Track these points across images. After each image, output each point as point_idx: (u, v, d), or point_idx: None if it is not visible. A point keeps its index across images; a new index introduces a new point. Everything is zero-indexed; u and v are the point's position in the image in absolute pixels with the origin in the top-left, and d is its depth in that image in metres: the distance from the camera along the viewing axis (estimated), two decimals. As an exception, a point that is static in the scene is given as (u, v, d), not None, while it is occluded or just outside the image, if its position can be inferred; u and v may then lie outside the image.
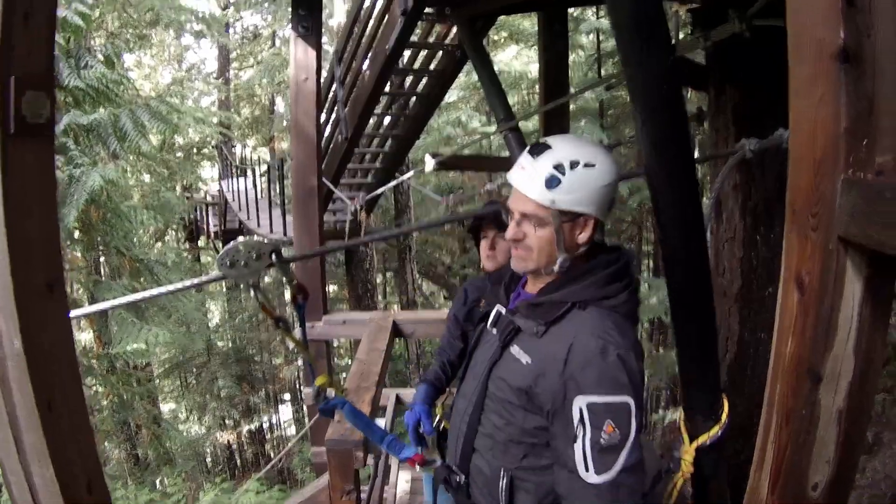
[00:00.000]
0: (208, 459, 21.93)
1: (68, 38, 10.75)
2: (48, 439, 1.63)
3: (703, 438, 2.80)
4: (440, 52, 9.18)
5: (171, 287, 2.92)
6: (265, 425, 23.94)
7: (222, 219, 21.05)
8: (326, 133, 10.34)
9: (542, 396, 2.08)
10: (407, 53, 9.58)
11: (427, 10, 7.34)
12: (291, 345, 2.81)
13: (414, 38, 8.59)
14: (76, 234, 11.71)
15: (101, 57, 11.23)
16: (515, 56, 18.94)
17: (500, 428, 2.26)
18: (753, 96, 4.35)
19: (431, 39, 9.17)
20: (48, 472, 1.66)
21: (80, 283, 12.40)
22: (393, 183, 10.23)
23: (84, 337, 14.97)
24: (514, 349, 2.22)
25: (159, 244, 23.45)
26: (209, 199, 23.31)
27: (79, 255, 12.03)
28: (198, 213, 22.81)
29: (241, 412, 22.52)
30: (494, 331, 2.37)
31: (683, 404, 2.94)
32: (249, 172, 20.04)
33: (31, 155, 1.58)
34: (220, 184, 22.64)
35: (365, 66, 8.82)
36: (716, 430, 2.79)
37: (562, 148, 2.10)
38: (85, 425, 1.78)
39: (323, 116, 10.16)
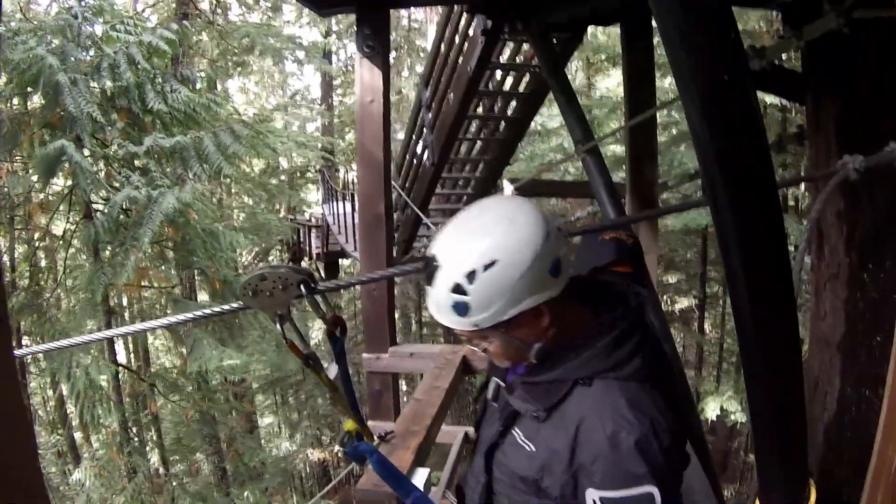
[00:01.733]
0: (299, 476, 22.17)
1: (153, 62, 10.93)
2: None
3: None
4: (527, 75, 8.92)
5: (173, 318, 2.69)
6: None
7: (324, 241, 21.15)
8: (415, 159, 10.21)
9: (551, 489, 1.81)
10: (496, 76, 9.35)
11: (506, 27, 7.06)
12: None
13: (502, 60, 8.45)
14: (170, 254, 11.89)
15: (197, 79, 11.41)
16: (619, 84, 18.51)
17: None
18: (857, 105, 3.56)
19: (519, 61, 8.88)
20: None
21: (160, 303, 12.58)
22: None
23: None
24: (516, 432, 1.94)
25: (261, 265, 23.55)
26: (313, 221, 23.34)
27: (161, 271, 12.20)
28: (301, 235, 22.91)
29: (335, 432, 22.64)
30: (496, 405, 2.09)
31: (759, 486, 2.42)
32: (350, 197, 20.06)
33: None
34: (322, 207, 22.88)
35: (449, 89, 8.55)
36: None
37: (451, 258, 1.75)
38: (35, 479, 1.52)
39: (406, 139, 10.07)
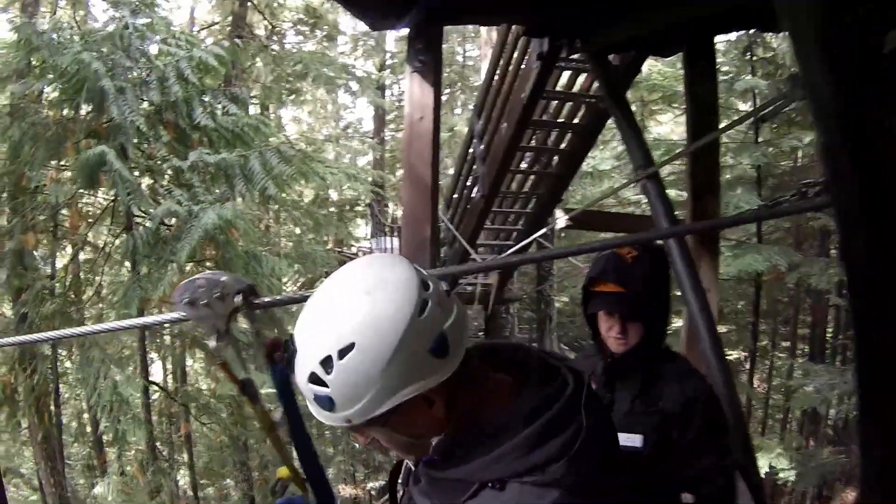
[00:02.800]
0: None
1: (202, 77, 10.89)
2: None
3: None
4: (583, 106, 8.63)
5: (112, 325, 2.44)
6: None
7: (369, 276, 21.14)
8: (465, 191, 10.02)
9: None
10: (550, 107, 9.02)
11: (563, 53, 6.81)
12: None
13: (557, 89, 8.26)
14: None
15: (248, 99, 11.40)
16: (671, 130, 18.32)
17: None
18: None
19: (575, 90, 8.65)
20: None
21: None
22: (528, 240, 9.55)
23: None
24: None
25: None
26: (360, 255, 23.22)
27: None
28: (346, 268, 22.79)
29: (370, 469, 22.35)
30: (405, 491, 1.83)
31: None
32: (398, 232, 20.00)
33: None
34: (370, 241, 22.83)
35: (502, 119, 8.31)
36: None
37: (305, 342, 1.45)
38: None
39: (457, 172, 9.85)
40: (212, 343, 1.93)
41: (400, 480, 1.82)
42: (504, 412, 1.48)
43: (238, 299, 1.89)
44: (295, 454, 2.11)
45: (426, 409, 1.45)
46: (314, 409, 1.48)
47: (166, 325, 11.66)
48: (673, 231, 3.76)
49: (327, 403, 1.41)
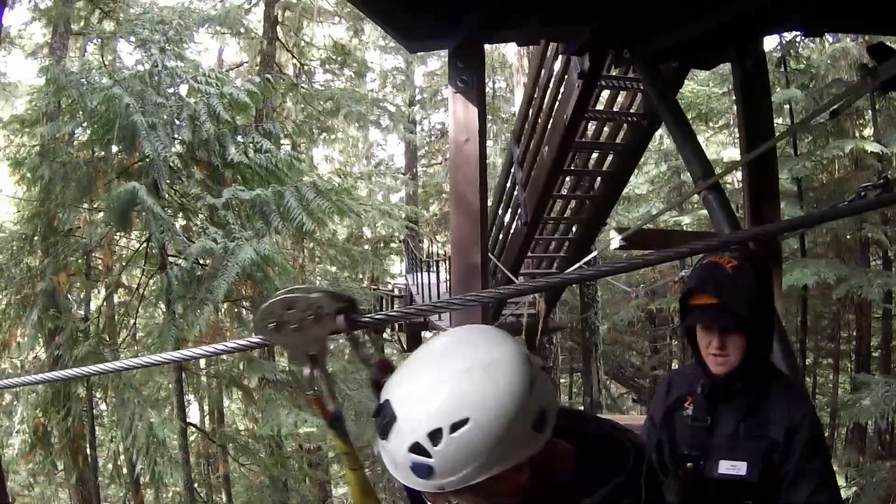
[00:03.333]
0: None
1: (234, 115, 10.79)
2: None
3: None
4: (625, 125, 8.35)
5: (175, 354, 2.15)
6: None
7: (407, 312, 21.04)
8: (507, 219, 9.74)
9: None
10: (590, 130, 8.91)
11: (605, 70, 6.60)
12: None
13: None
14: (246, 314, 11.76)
15: (280, 135, 11.38)
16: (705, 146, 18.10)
17: None
18: None
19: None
20: None
21: (236, 364, 12.38)
22: (575, 266, 9.27)
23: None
24: None
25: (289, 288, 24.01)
26: (396, 291, 23.36)
27: (238, 330, 12.00)
28: (383, 305, 22.68)
29: None
30: None
31: None
32: (435, 267, 19.91)
33: None
34: (405, 277, 22.86)
35: (544, 142, 8.08)
36: None
37: (410, 411, 1.36)
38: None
39: (496, 200, 9.64)
40: (305, 372, 1.66)
41: None
42: (567, 483, 1.49)
43: (340, 320, 1.62)
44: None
45: (515, 477, 1.41)
46: (403, 476, 1.40)
47: (206, 363, 11.56)
48: (755, 233, 3.46)
49: (425, 472, 1.35)
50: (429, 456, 1.32)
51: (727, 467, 2.50)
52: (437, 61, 28.88)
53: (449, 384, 1.35)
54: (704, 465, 2.56)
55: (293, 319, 1.59)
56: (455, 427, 1.30)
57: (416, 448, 1.33)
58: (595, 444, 1.53)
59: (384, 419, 1.38)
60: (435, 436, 1.31)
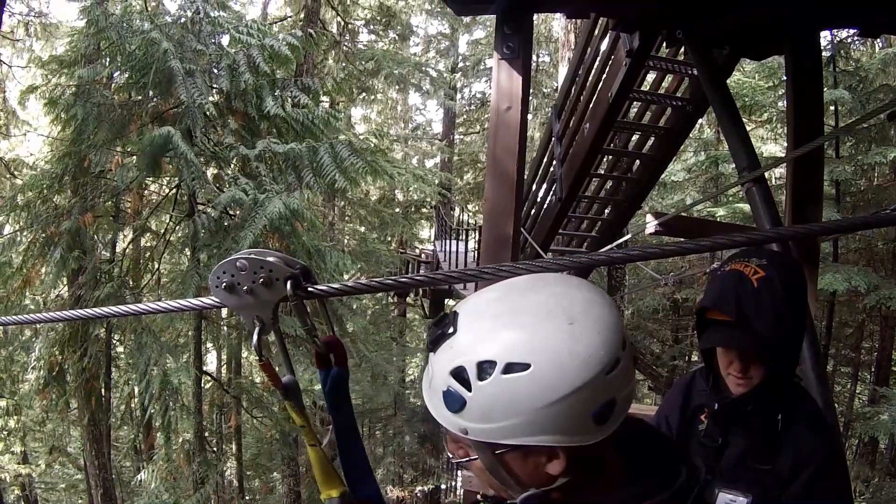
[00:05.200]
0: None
1: (273, 67, 10.75)
2: None
3: None
4: (668, 109, 8.21)
5: (133, 307, 2.06)
6: (442, 488, 23.46)
7: (432, 278, 21.07)
8: (541, 193, 9.63)
9: None
10: (631, 112, 8.86)
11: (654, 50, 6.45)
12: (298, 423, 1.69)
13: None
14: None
15: (319, 90, 11.32)
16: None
17: None
18: None
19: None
20: None
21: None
22: (607, 248, 9.11)
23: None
24: None
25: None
26: (423, 257, 23.23)
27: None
28: (409, 269, 22.68)
29: (419, 472, 22.29)
30: None
31: None
32: (464, 236, 19.80)
33: None
34: (434, 244, 22.83)
35: (585, 119, 7.93)
36: None
37: (470, 330, 1.20)
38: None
39: (532, 173, 9.52)
40: (253, 338, 1.57)
41: None
42: (609, 492, 1.28)
43: (289, 286, 1.53)
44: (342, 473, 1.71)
45: (543, 461, 1.22)
46: (432, 400, 1.25)
47: (209, 311, 11.58)
48: (797, 231, 3.29)
49: (456, 405, 1.18)
50: (468, 388, 1.16)
51: (726, 499, 2.29)
52: (482, 30, 28.74)
53: (524, 319, 1.18)
54: (705, 489, 2.32)
55: (244, 282, 1.52)
56: (510, 368, 1.13)
57: (459, 374, 1.17)
58: (648, 460, 1.34)
59: (441, 329, 1.24)
60: (484, 368, 1.15)
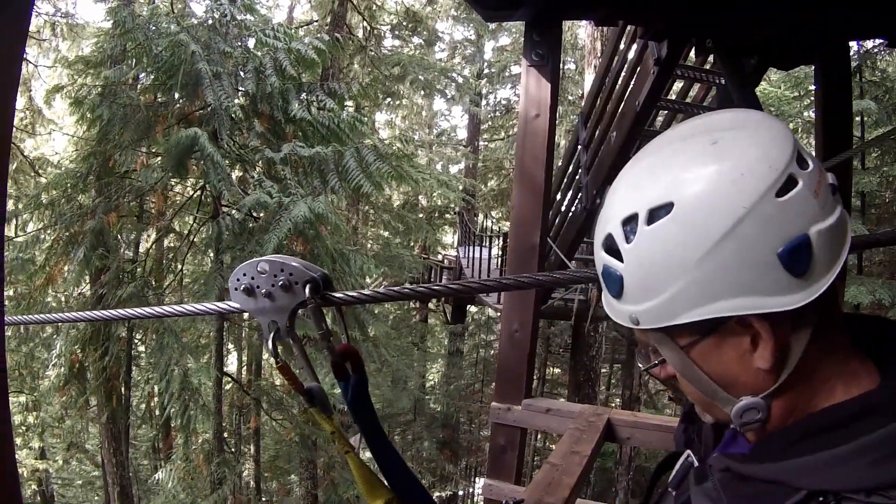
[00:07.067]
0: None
1: (300, 71, 10.77)
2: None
3: None
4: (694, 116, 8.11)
5: (137, 311, 2.04)
6: (459, 494, 23.57)
7: (454, 284, 21.03)
8: (566, 202, 9.49)
9: None
10: (658, 120, 8.87)
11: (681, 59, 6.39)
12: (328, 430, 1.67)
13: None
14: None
15: (345, 94, 11.33)
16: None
17: None
18: None
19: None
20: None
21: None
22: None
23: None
24: None
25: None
26: (446, 262, 23.11)
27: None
28: (432, 274, 22.64)
29: (436, 478, 22.30)
30: (674, 495, 1.19)
31: None
32: (488, 242, 19.77)
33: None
34: (457, 249, 22.82)
35: (612, 128, 7.88)
36: None
37: (614, 192, 1.01)
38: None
39: (558, 181, 9.47)
40: (267, 342, 1.58)
41: (670, 480, 1.23)
42: (857, 399, 0.93)
43: (307, 290, 1.53)
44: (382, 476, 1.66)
45: (747, 351, 0.94)
46: (605, 299, 1.06)
47: (230, 315, 11.63)
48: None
49: (615, 285, 0.99)
50: (619, 258, 0.96)
51: None
52: (507, 37, 28.75)
53: (665, 157, 0.97)
54: None
55: (263, 286, 1.53)
56: (653, 215, 0.92)
57: (609, 245, 0.99)
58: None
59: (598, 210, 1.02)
60: (629, 225, 0.95)
